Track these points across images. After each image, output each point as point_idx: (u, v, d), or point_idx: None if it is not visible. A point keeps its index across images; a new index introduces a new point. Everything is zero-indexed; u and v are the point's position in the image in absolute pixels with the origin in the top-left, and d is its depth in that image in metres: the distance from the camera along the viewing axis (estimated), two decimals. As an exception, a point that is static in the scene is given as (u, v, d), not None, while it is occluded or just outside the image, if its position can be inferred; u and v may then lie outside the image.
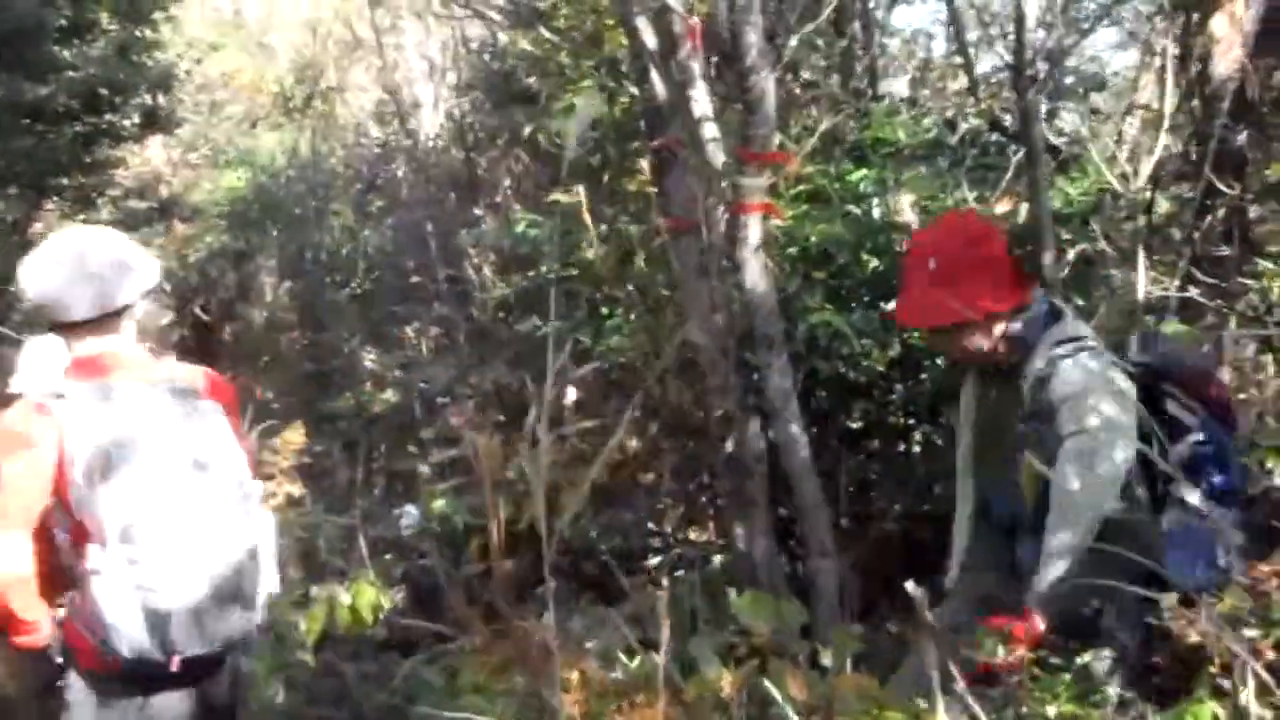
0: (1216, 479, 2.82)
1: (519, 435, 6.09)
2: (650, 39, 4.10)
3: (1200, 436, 2.80)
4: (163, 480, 2.71)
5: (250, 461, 3.01)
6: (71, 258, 2.84)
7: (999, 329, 2.91)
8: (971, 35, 7.31)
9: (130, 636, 2.67)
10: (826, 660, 2.01)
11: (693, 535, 5.81)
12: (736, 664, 1.86)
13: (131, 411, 2.75)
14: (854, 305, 4.62)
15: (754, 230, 3.84)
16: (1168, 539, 2.75)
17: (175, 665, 2.72)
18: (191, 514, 2.73)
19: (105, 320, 2.83)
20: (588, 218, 2.15)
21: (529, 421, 2.33)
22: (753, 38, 3.70)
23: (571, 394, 5.97)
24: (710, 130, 4.04)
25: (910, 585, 1.74)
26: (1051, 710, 2.49)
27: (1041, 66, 4.72)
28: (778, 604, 1.99)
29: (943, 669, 1.87)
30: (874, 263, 4.64)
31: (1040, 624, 2.65)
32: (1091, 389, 2.72)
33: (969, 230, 3.02)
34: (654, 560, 5.65)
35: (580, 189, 2.15)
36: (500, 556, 2.67)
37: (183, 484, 2.74)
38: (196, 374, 2.98)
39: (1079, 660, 2.74)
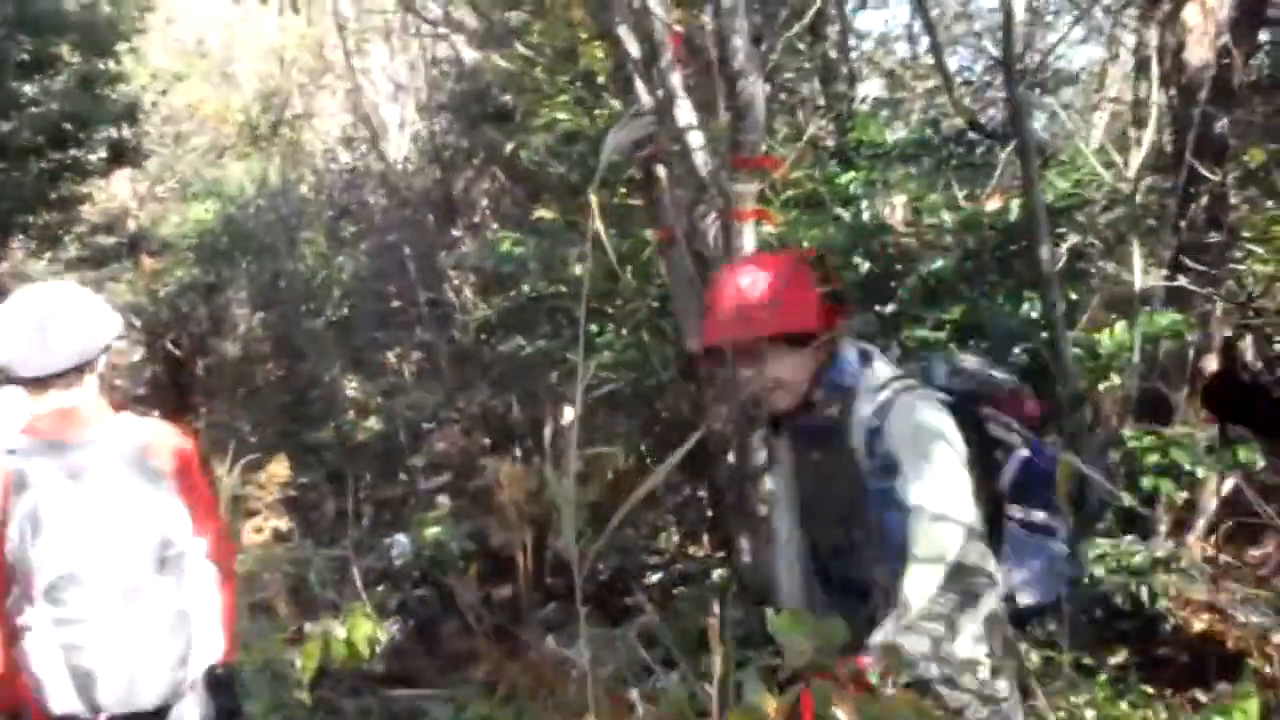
0: (1048, 492, 2.78)
1: (510, 457, 6.04)
2: (634, 48, 4.04)
3: (1026, 454, 2.75)
4: (88, 542, 2.76)
5: (205, 512, 3.04)
6: (27, 317, 2.87)
7: (809, 365, 2.75)
8: (940, 37, 7.31)
9: (58, 694, 2.72)
10: (874, 677, 1.94)
11: (691, 550, 5.76)
12: (779, 688, 1.79)
13: (68, 473, 2.80)
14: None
15: (747, 237, 3.78)
16: (1012, 560, 2.73)
17: None
18: (116, 576, 2.77)
19: (66, 376, 2.86)
20: (599, 225, 2.07)
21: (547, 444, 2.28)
22: (740, 42, 3.64)
23: (568, 413, 5.91)
24: (697, 138, 3.99)
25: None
26: (1090, 714, 2.44)
27: (1029, 62, 4.69)
28: (818, 621, 1.91)
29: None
30: (866, 265, 4.60)
31: (872, 669, 2.56)
32: (929, 433, 2.65)
33: (779, 260, 2.94)
34: (654, 577, 5.59)
35: (594, 200, 2.08)
36: (530, 584, 2.60)
37: (108, 546, 2.78)
38: (150, 431, 3.00)
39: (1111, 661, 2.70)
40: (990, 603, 2.61)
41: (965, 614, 2.58)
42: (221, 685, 3.05)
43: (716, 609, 1.85)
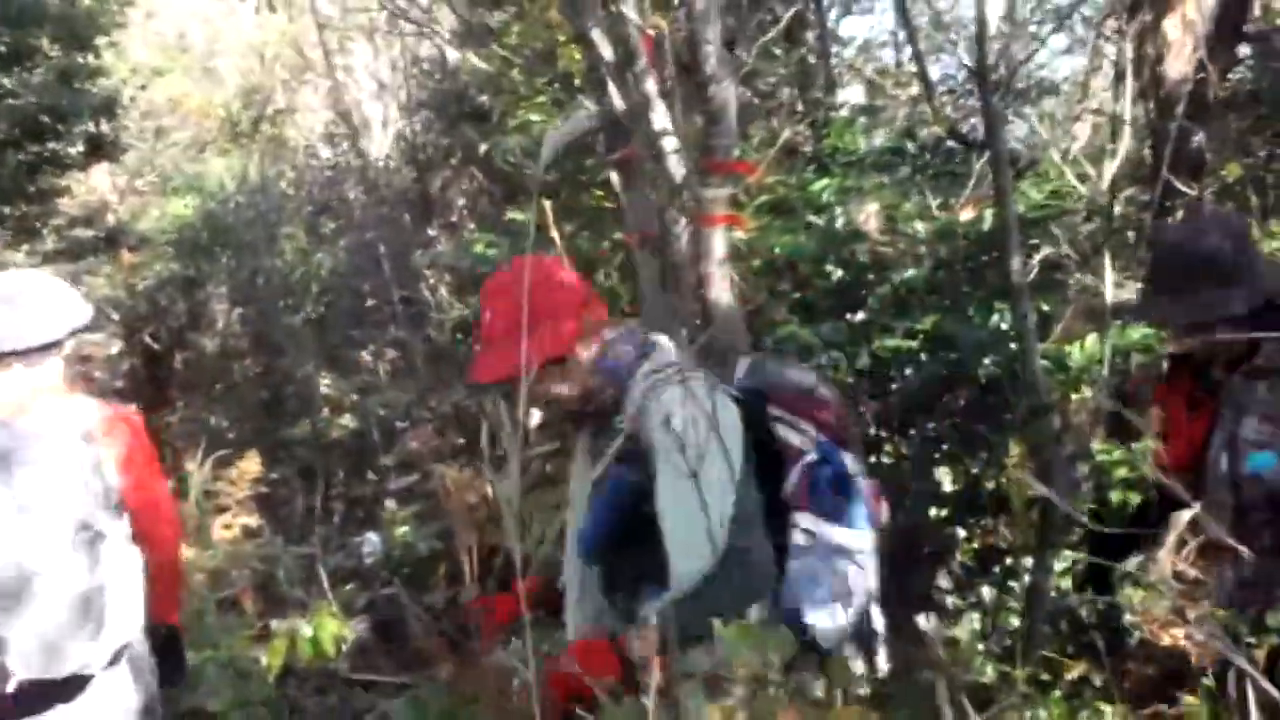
0: (838, 502, 2.63)
1: (481, 459, 6.00)
2: (607, 51, 4.02)
3: (814, 458, 2.62)
4: (4, 522, 2.88)
5: (151, 491, 3.22)
6: None
7: (582, 371, 2.68)
8: (923, 44, 7.32)
9: None
10: (819, 691, 1.93)
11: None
12: (724, 696, 1.78)
13: (2, 454, 2.93)
14: (820, 316, 4.56)
15: (718, 243, 3.77)
16: (798, 576, 2.56)
17: (10, 687, 2.89)
18: (30, 555, 2.89)
19: (29, 354, 3.01)
20: (555, 233, 2.08)
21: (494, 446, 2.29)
22: (712, 47, 3.64)
23: (536, 414, 5.87)
24: (671, 143, 3.97)
25: (922, 620, 1.64)
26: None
27: (1005, 71, 4.70)
28: (764, 633, 1.90)
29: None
30: (838, 273, 4.59)
31: (640, 648, 2.48)
32: (688, 422, 2.48)
33: (526, 274, 2.66)
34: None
35: (546, 205, 2.07)
36: (473, 587, 2.61)
37: (25, 527, 2.89)
38: (98, 414, 3.12)
39: (1069, 675, 2.68)
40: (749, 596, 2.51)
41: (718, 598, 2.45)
42: (168, 643, 3.33)
43: (653, 619, 1.83)
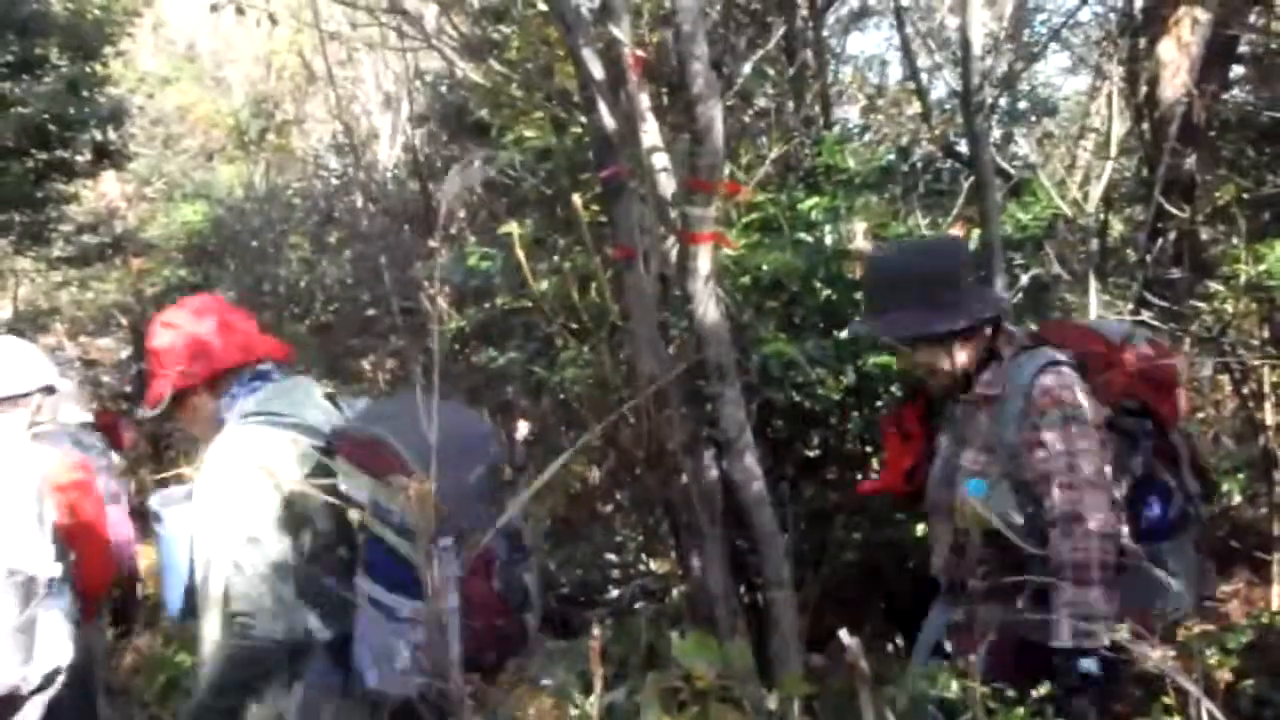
0: (393, 565, 2.44)
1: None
2: (597, 70, 4.07)
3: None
4: None
5: (90, 537, 3.51)
6: None
7: (209, 412, 2.78)
8: (924, 61, 7.35)
9: None
10: (772, 703, 1.96)
11: (654, 566, 5.76)
12: (680, 708, 1.81)
13: None
14: (807, 334, 4.58)
15: (704, 261, 3.80)
16: (359, 638, 2.50)
17: None
18: None
19: None
20: (521, 255, 2.12)
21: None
22: (698, 66, 3.67)
23: (524, 428, 5.92)
24: (660, 160, 4.01)
25: (844, 634, 1.68)
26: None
27: (991, 92, 4.73)
28: (722, 645, 1.94)
29: None
30: (826, 291, 4.62)
31: None
32: (216, 473, 2.54)
33: (168, 314, 2.89)
34: (614, 592, 5.60)
35: (529, 221, 2.12)
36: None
37: None
38: (49, 467, 3.38)
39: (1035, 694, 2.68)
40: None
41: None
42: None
43: (597, 630, 1.88)
